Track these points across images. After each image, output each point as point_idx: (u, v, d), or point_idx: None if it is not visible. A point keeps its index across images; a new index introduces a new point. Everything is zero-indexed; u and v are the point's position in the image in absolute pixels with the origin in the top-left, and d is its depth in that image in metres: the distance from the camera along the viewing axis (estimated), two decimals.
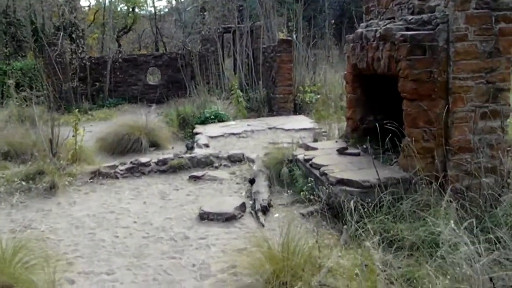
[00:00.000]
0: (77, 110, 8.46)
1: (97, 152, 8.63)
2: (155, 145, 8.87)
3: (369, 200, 4.20)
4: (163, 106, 13.99)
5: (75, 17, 15.66)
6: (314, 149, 6.16)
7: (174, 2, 22.29)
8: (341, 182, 4.69)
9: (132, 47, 25.03)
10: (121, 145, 8.52)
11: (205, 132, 9.03)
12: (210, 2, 19.08)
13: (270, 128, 9.17)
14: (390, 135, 4.68)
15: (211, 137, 8.57)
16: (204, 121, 10.10)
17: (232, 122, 10.03)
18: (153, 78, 19.54)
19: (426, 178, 4.28)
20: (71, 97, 14.88)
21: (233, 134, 8.80)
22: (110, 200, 5.83)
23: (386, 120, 4.73)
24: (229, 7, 18.58)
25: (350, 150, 5.75)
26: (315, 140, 6.99)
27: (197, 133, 9.06)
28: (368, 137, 5.52)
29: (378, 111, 6.07)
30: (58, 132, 7.01)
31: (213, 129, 9.34)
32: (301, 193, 5.02)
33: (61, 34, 14.74)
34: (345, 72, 6.38)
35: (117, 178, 6.72)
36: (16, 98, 11.71)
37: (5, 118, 10.63)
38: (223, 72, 14.10)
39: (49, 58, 14.45)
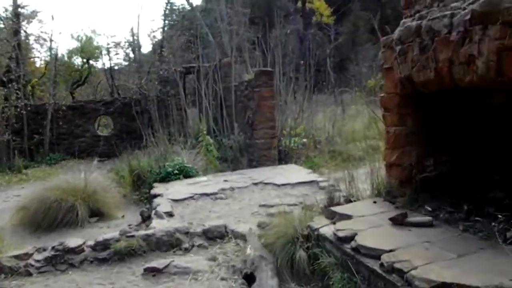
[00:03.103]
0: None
1: (15, 227, 6.19)
2: (98, 214, 6.45)
3: None
4: (115, 160, 11.56)
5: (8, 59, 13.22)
6: (346, 217, 3.88)
7: (131, 55, 20.24)
8: None
9: (87, 99, 22.69)
10: (49, 217, 6.04)
11: (167, 193, 6.57)
12: (169, 47, 17.10)
13: (255, 184, 6.76)
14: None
15: (176, 201, 6.09)
16: (166, 178, 7.64)
17: (203, 178, 7.57)
18: (107, 129, 17.22)
19: None
20: (2, 153, 12.19)
21: (207, 194, 6.32)
22: None
23: (456, 162, 3.45)
24: (192, 51, 16.71)
25: (414, 218, 3.53)
26: (331, 200, 4.71)
27: (156, 195, 6.55)
28: (430, 193, 3.90)
29: (440, 150, 4.03)
30: None
31: (179, 188, 6.91)
32: None
33: None
34: (383, 94, 4.30)
35: (29, 275, 4.29)
36: None
37: None
38: (187, 117, 11.92)
39: None
